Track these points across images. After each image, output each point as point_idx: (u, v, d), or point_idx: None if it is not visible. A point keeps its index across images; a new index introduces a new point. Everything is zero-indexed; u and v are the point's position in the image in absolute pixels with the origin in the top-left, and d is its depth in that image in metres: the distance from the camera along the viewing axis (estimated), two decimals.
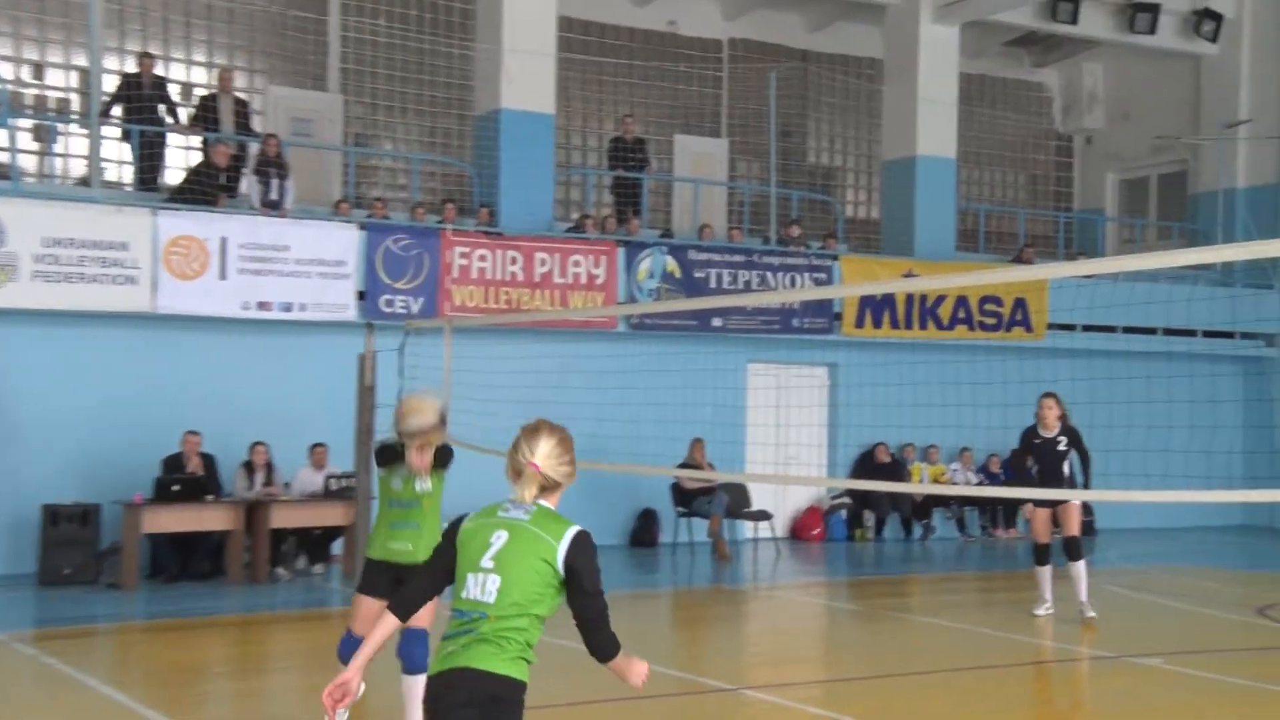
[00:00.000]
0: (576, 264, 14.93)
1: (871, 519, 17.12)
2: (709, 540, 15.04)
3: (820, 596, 12.94)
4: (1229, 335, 18.69)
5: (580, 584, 3.87)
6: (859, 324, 16.61)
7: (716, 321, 15.76)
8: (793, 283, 16.07)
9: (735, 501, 15.41)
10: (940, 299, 16.99)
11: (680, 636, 10.99)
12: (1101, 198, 22.34)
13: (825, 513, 16.98)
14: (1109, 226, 21.91)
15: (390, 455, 6.49)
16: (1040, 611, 10.85)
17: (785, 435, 16.32)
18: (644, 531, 15.74)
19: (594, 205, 17.57)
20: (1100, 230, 21.54)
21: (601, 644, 3.94)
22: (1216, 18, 19.77)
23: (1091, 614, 10.50)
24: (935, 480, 17.04)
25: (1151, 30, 19.25)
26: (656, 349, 15.38)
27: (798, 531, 16.94)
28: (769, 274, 16.09)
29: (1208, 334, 18.28)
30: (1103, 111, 22.09)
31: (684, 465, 14.58)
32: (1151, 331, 17.87)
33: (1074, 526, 10.82)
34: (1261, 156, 19.89)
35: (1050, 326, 17.58)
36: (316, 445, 13.09)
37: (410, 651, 6.29)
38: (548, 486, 3.99)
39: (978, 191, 21.71)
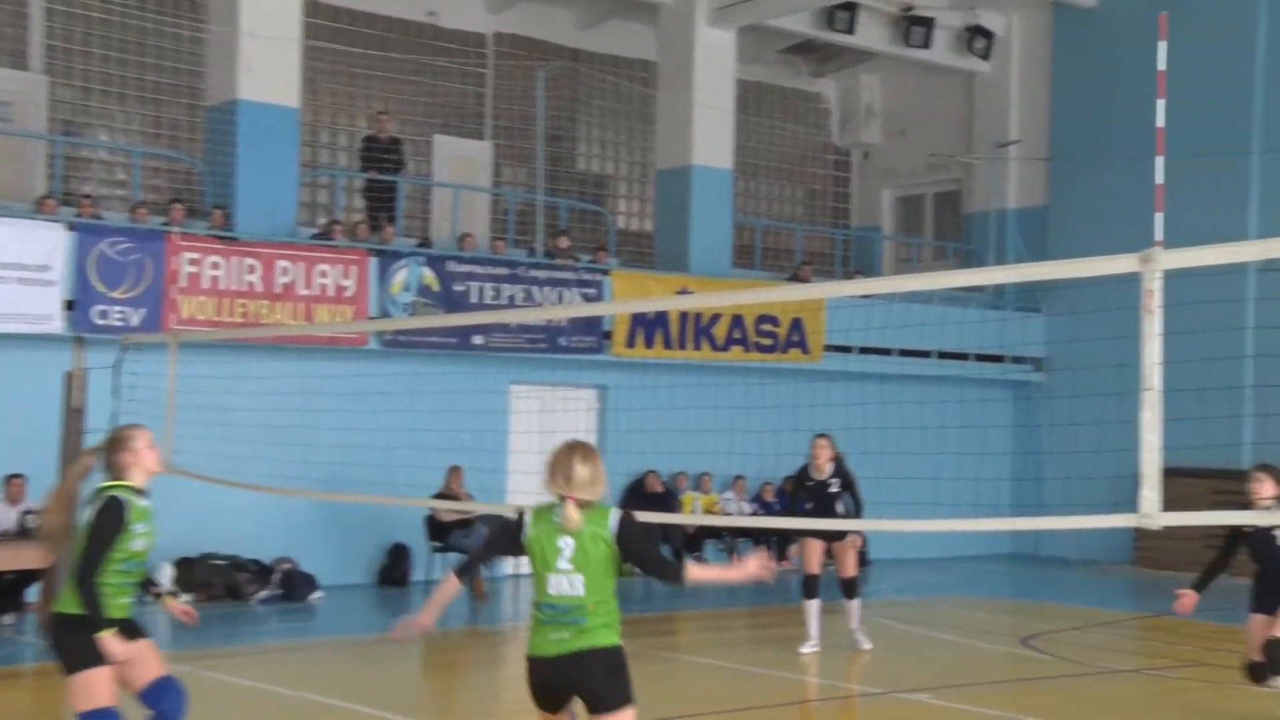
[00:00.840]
0: (323, 274, 14.61)
1: None
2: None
3: None
4: (999, 359, 19.80)
5: (632, 548, 5.27)
6: (630, 344, 16.82)
7: (477, 339, 15.70)
8: (560, 298, 16.15)
9: None
10: (715, 318, 17.35)
11: (432, 685, 10.87)
12: (878, 214, 23.31)
13: None
14: (886, 245, 22.86)
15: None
16: (806, 649, 11.16)
17: None
18: (394, 569, 15.52)
19: (343, 210, 17.24)
20: (877, 248, 22.41)
21: (667, 575, 5.48)
22: (988, 35, 20.92)
23: (867, 645, 10.98)
24: (708, 510, 17.36)
25: (926, 44, 20.20)
26: (411, 369, 15.25)
27: None
28: (535, 288, 16.12)
29: (979, 358, 19.30)
30: (879, 126, 23.04)
31: (440, 495, 14.44)
32: (926, 354, 18.60)
33: (850, 568, 11.37)
34: (1031, 177, 21.15)
35: (827, 348, 18.15)
36: (12, 477, 12.43)
37: (167, 708, 6.07)
38: (586, 505, 5.26)
39: (754, 205, 22.31)
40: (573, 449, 5.31)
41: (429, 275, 15.34)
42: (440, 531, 15.01)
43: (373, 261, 14.99)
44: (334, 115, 18.26)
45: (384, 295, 15.02)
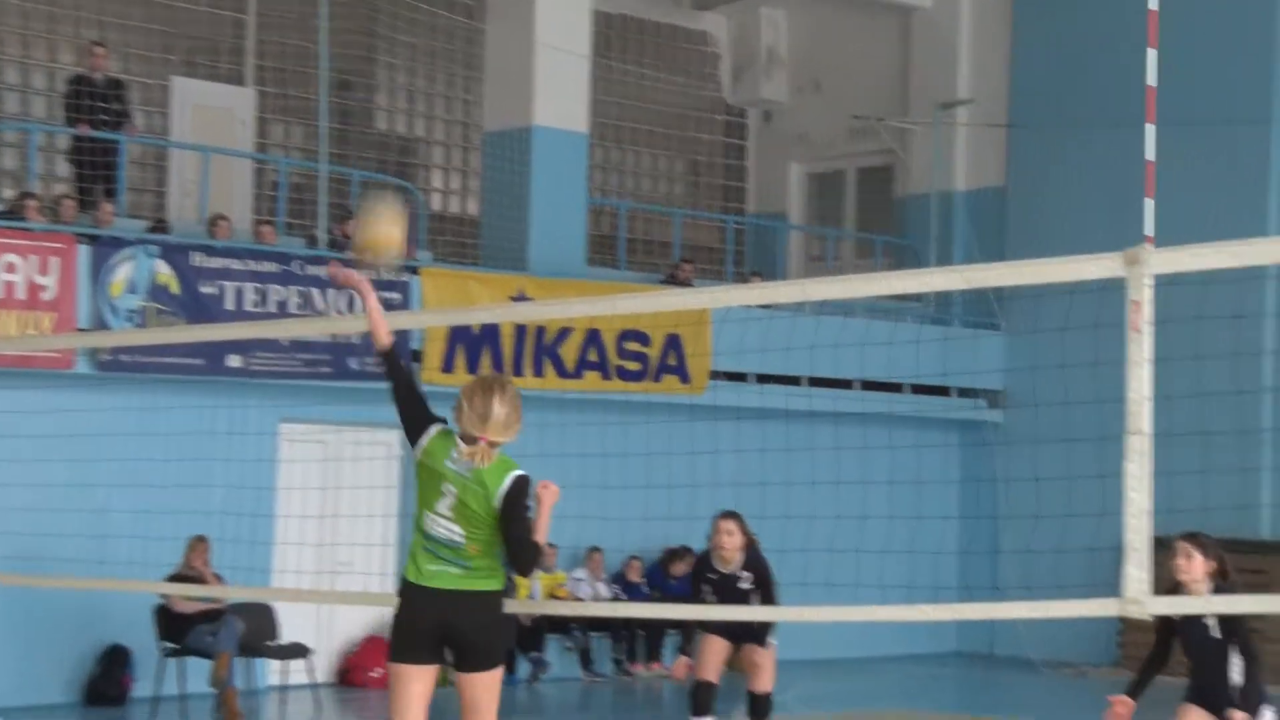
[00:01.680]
0: (10, 268, 14.38)
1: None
2: (213, 691, 14.65)
3: None
4: (943, 391, 20.05)
5: (509, 518, 6.53)
6: (447, 367, 16.80)
7: (234, 360, 15.68)
8: (351, 305, 16.04)
9: (255, 631, 15.16)
10: (564, 333, 17.49)
11: None
12: (784, 196, 23.70)
13: None
14: (793, 237, 23.19)
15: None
16: None
17: (336, 530, 16.49)
18: (107, 680, 15.31)
19: (38, 179, 17.02)
20: (782, 241, 22.71)
21: (522, 563, 6.69)
22: None
23: None
24: (551, 595, 17.34)
25: None
26: (138, 400, 15.15)
27: (351, 674, 16.95)
28: (315, 291, 16.12)
29: (917, 389, 19.67)
30: (786, 78, 23.41)
31: (176, 577, 14.24)
32: (846, 384, 18.90)
33: (766, 680, 11.23)
34: (985, 151, 21.64)
35: (714, 375, 18.43)
36: None
37: None
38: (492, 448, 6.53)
39: (618, 181, 22.51)
40: (490, 384, 6.65)
41: (165, 271, 15.25)
42: (176, 627, 14.72)
43: (83, 251, 14.85)
44: (26, 49, 18.08)
45: (101, 298, 14.88)
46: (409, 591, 6.68)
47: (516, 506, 6.56)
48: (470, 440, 6.49)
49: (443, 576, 6.55)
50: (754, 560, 11.07)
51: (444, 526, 6.54)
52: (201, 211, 17.11)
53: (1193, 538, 8.15)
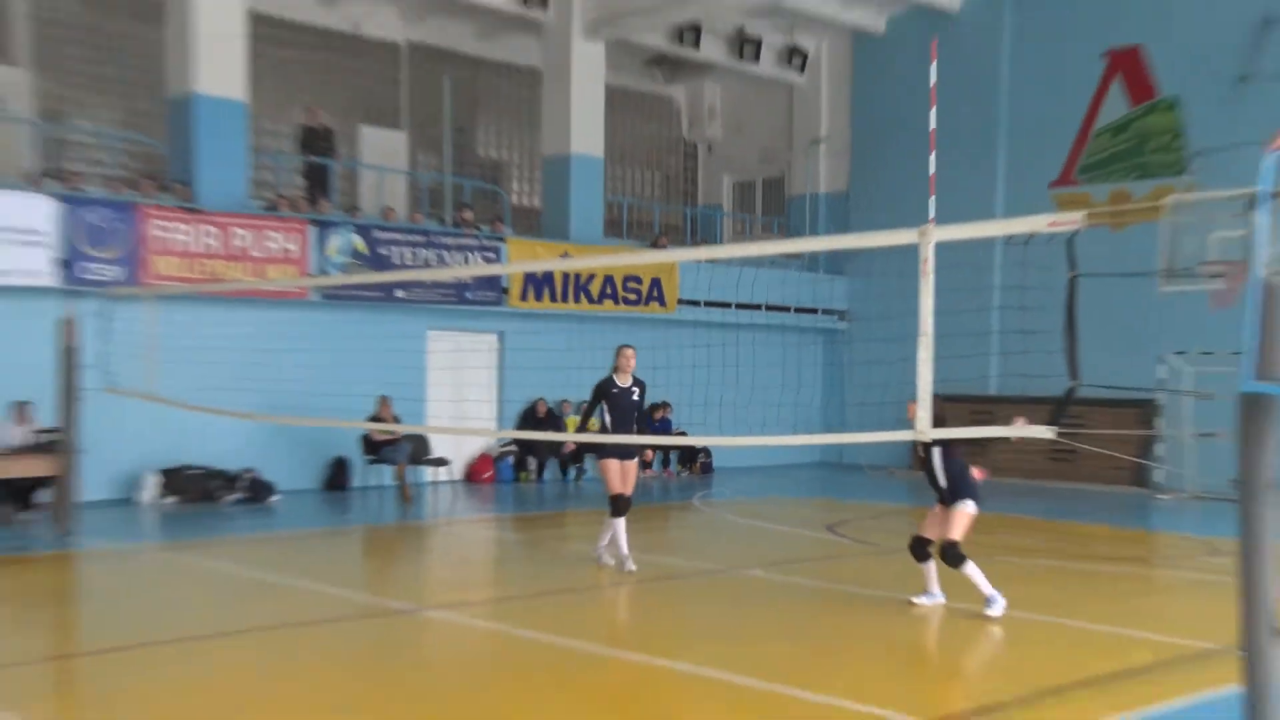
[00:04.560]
0: (271, 239, 14.43)
1: (534, 464, 17.47)
2: (394, 484, 14.97)
3: (491, 530, 13.05)
4: (813, 311, 20.36)
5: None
6: (523, 298, 16.87)
7: (400, 294, 15.62)
8: (466, 260, 16.12)
9: (417, 450, 15.40)
10: (591, 277, 17.42)
11: (368, 566, 10.96)
12: (720, 196, 23.55)
13: (495, 459, 17.24)
14: (725, 220, 23.15)
15: None
16: (606, 558, 9.69)
17: (461, 392, 16.43)
18: (336, 477, 15.50)
19: (286, 186, 16.91)
20: (719, 223, 22.68)
21: None
22: (804, 54, 21.26)
23: (630, 567, 9.45)
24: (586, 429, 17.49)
25: (756, 59, 20.48)
26: (347, 317, 15.21)
27: (472, 475, 17.03)
28: (445, 253, 16.07)
29: (798, 310, 19.70)
30: (720, 125, 23.25)
31: (372, 419, 14.44)
32: (757, 307, 18.88)
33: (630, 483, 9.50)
34: (836, 168, 21.61)
35: (680, 302, 18.38)
36: (21, 404, 12.11)
37: None
38: None
39: (622, 186, 22.45)
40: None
41: (359, 241, 15.25)
42: (373, 447, 15.05)
43: (311, 229, 14.84)
44: (277, 108, 17.82)
45: (322, 256, 14.89)
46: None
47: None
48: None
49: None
50: (638, 381, 9.50)
51: None
52: (379, 205, 17.12)
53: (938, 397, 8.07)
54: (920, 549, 8.22)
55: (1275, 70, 16.05)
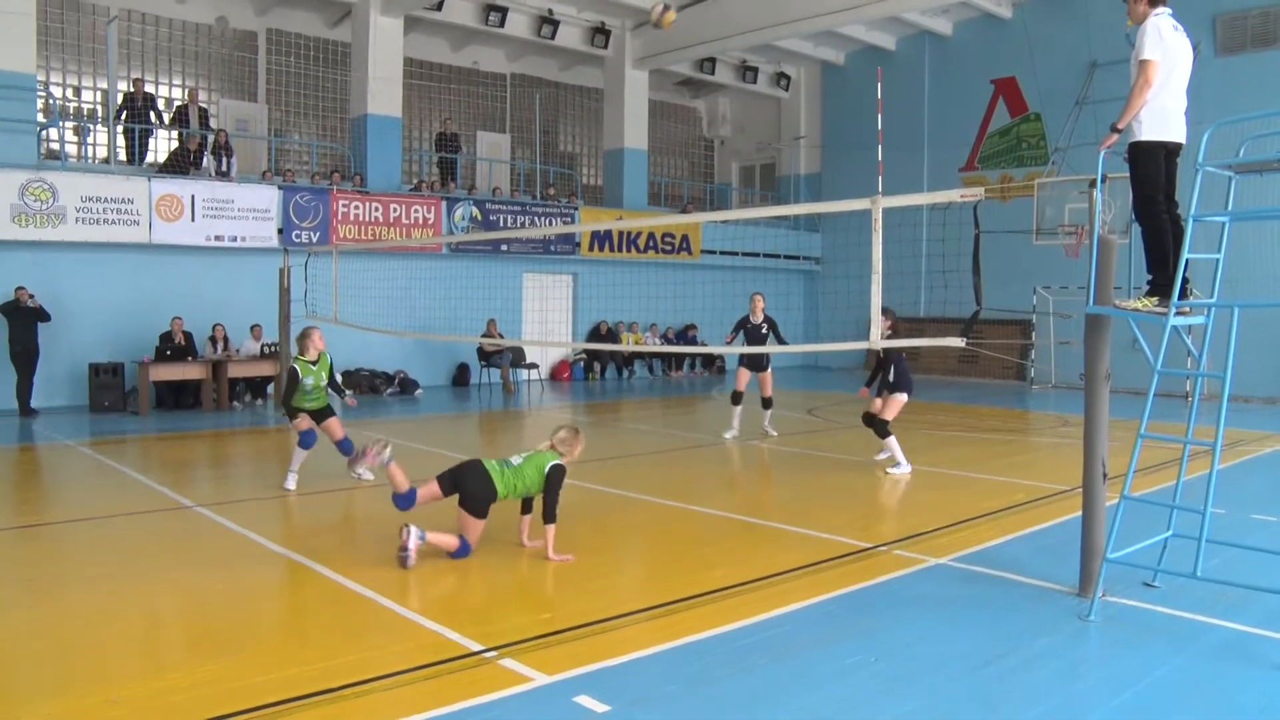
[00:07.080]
0: (416, 211, 14.55)
1: (598, 367, 17.61)
2: (500, 381, 15.13)
3: (568, 413, 12.98)
4: (796, 258, 20.26)
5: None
6: (591, 249, 16.80)
7: (504, 248, 15.65)
8: (550, 223, 16.08)
9: (516, 357, 15.39)
10: (639, 234, 17.31)
11: (482, 436, 11.05)
12: (730, 176, 23.25)
13: (571, 363, 17.42)
14: (734, 194, 22.94)
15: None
16: (728, 435, 9.88)
17: (546, 317, 16.54)
18: (460, 377, 15.70)
19: (427, 174, 17.02)
20: (729, 195, 22.42)
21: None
22: (788, 77, 20.85)
23: (773, 433, 9.93)
24: (636, 342, 17.55)
25: (754, 81, 20.19)
26: (467, 264, 15.34)
27: (555, 375, 17.11)
28: (536, 218, 16.03)
29: (785, 257, 19.61)
30: (730, 127, 22.85)
31: (485, 335, 14.52)
32: (756, 255, 18.99)
33: (768, 390, 9.80)
34: (812, 157, 21.24)
35: (703, 251, 18.16)
36: (254, 325, 12.71)
37: (344, 448, 7.38)
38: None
39: (660, 169, 22.25)
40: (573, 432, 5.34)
41: (476, 211, 15.25)
42: (485, 355, 15.08)
43: (443, 204, 14.88)
44: (421, 120, 17.89)
45: (450, 222, 14.93)
46: None
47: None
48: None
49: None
50: (769, 318, 9.54)
51: None
52: (489, 185, 17.11)
53: (887, 311, 7.63)
54: (874, 424, 8.01)
55: (1100, 96, 15.93)
